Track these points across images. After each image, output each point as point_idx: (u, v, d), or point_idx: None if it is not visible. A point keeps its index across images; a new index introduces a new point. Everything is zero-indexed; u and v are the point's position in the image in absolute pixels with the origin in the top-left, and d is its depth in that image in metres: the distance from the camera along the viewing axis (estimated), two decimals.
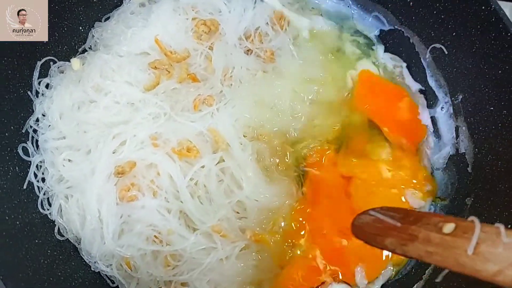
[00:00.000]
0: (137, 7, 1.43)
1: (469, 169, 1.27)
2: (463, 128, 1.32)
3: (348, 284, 1.20)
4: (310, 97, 1.34)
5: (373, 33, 1.51)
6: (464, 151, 1.30)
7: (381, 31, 1.51)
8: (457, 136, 1.33)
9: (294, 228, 1.23)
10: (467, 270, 0.62)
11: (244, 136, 1.24)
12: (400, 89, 1.44)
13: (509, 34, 1.14)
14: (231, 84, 1.27)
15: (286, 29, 1.41)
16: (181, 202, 1.12)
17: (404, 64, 1.46)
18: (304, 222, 1.23)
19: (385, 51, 1.50)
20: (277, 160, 1.26)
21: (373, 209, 0.84)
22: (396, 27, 1.48)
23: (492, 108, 1.22)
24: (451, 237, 0.66)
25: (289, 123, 1.29)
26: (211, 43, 1.31)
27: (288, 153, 1.27)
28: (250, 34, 1.35)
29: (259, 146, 1.24)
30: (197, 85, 1.27)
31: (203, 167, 1.15)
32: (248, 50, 1.34)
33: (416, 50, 1.44)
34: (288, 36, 1.40)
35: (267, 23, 1.38)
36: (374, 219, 0.81)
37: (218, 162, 1.18)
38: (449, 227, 0.67)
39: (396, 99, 1.42)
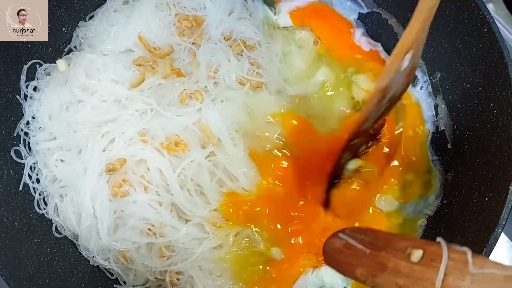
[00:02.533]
0: (120, 4, 1.44)
1: (449, 145, 1.32)
2: (442, 106, 1.36)
3: None
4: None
5: (352, 17, 1.54)
6: (443, 128, 1.34)
7: (360, 14, 1.53)
8: (437, 114, 1.37)
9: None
10: None
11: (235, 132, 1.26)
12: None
13: (481, 13, 1.17)
14: (216, 82, 1.29)
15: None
16: (172, 195, 1.15)
17: (380, 48, 1.49)
18: None
19: (365, 34, 1.53)
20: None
21: (343, 231, 0.83)
22: (374, 9, 1.51)
23: (468, 86, 1.26)
24: (419, 267, 0.64)
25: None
26: (195, 39, 1.33)
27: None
28: (232, 34, 1.37)
29: (251, 144, 1.27)
30: (182, 80, 1.29)
31: (192, 161, 1.18)
32: (238, 54, 1.36)
33: (395, 31, 1.47)
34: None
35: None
36: (345, 243, 0.80)
37: (209, 157, 1.21)
38: (417, 255, 0.65)
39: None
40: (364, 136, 1.20)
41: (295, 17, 1.50)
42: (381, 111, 1.09)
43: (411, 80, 1.07)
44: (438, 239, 0.64)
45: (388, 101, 1.05)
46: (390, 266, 0.68)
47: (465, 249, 0.61)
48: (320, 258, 1.24)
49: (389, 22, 1.47)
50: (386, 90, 0.99)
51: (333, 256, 0.82)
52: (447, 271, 0.60)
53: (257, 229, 1.21)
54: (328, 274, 1.23)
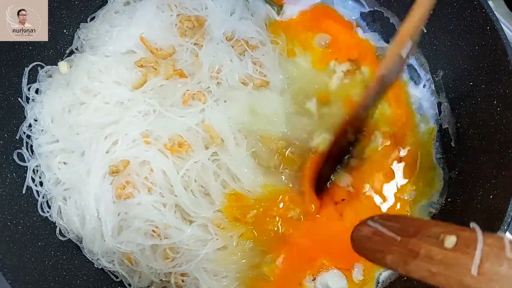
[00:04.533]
0: (121, 5, 1.44)
1: (452, 143, 1.32)
2: (445, 104, 1.36)
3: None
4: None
5: (354, 16, 1.53)
6: (447, 127, 1.34)
7: (362, 13, 1.53)
8: (440, 112, 1.37)
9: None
10: None
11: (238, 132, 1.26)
12: None
13: (483, 10, 1.17)
14: (219, 82, 1.29)
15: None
16: (176, 196, 1.15)
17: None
18: None
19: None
20: (275, 161, 1.28)
21: (372, 218, 0.81)
22: (375, 8, 1.50)
23: (471, 83, 1.26)
24: (453, 253, 0.63)
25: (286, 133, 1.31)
26: (196, 39, 1.33)
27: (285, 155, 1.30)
28: (234, 34, 1.37)
29: (255, 144, 1.27)
30: (184, 81, 1.29)
31: (196, 162, 1.17)
32: (240, 53, 1.35)
33: (396, 30, 1.46)
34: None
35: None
36: (373, 230, 0.78)
37: (212, 157, 1.21)
38: (451, 241, 0.64)
39: None
40: (353, 127, 1.18)
41: (299, 20, 1.50)
42: (377, 98, 1.11)
43: (404, 66, 1.12)
44: (472, 224, 0.63)
45: (384, 88, 1.08)
46: (422, 252, 0.67)
47: (501, 235, 0.60)
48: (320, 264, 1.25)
49: (390, 21, 1.47)
50: (386, 76, 1.03)
51: (362, 244, 0.80)
52: (483, 257, 0.59)
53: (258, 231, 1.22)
54: (332, 279, 1.23)
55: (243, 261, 1.18)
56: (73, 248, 1.23)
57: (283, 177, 1.28)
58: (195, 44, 1.33)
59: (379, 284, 1.26)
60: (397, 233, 0.73)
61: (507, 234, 1.13)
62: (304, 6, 1.52)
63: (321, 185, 1.26)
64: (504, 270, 0.57)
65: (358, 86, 1.40)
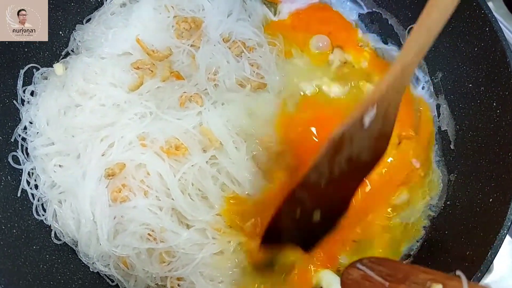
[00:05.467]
0: (117, 7, 1.43)
1: (451, 146, 1.31)
2: (444, 106, 1.35)
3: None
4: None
5: (352, 17, 1.52)
6: (446, 129, 1.33)
7: (360, 14, 1.52)
8: (439, 114, 1.36)
9: None
10: None
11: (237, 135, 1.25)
12: None
13: (482, 12, 1.17)
14: (216, 84, 1.28)
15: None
16: (172, 199, 1.14)
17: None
18: None
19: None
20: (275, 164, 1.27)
21: (361, 261, 0.82)
22: (374, 9, 1.50)
23: (470, 85, 1.25)
24: None
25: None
26: (193, 41, 1.32)
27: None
28: (231, 36, 1.36)
29: (255, 147, 1.25)
30: (181, 83, 1.27)
31: (193, 165, 1.16)
32: (237, 55, 1.34)
33: (395, 31, 1.46)
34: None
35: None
36: (362, 274, 0.79)
37: (210, 161, 1.20)
38: None
39: None
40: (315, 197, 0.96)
41: (296, 19, 1.49)
42: (337, 171, 0.89)
43: (384, 150, 0.91)
44: (458, 272, 0.64)
45: (348, 164, 0.88)
46: None
47: (486, 285, 0.61)
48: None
49: (389, 22, 1.46)
50: (341, 143, 0.85)
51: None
52: None
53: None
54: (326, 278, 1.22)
55: (240, 266, 1.17)
56: (68, 251, 1.21)
57: (284, 181, 1.26)
58: (192, 45, 1.31)
59: None
60: (385, 278, 0.74)
61: (507, 237, 1.12)
62: (301, 5, 1.51)
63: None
64: None
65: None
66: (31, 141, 1.24)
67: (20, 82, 1.26)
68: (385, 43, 1.48)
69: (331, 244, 1.21)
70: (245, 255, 1.18)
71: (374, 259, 0.82)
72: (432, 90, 1.39)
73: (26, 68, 1.27)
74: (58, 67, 1.32)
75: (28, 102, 1.27)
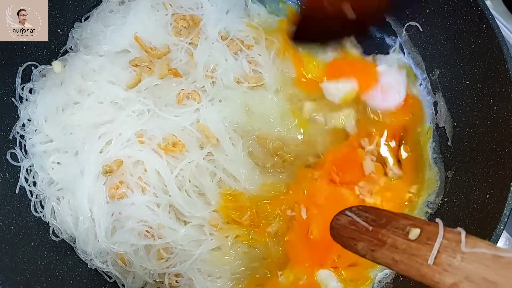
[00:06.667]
0: (116, 5, 1.43)
1: (449, 142, 1.31)
2: (442, 103, 1.35)
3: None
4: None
5: None
6: (443, 126, 1.34)
7: None
8: (436, 111, 1.36)
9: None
10: (427, 281, 0.64)
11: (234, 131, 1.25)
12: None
13: (479, 9, 1.17)
14: (214, 82, 1.29)
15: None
16: (170, 196, 1.14)
17: None
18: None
19: None
20: (272, 161, 1.27)
21: (350, 209, 0.87)
22: None
23: (467, 82, 1.25)
24: (415, 244, 0.69)
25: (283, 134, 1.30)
26: (191, 38, 1.32)
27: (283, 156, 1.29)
28: (229, 34, 1.36)
29: (251, 144, 1.26)
30: (179, 80, 1.28)
31: (190, 162, 1.17)
32: (235, 53, 1.34)
33: (393, 28, 1.46)
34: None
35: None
36: (350, 220, 0.84)
37: (207, 157, 1.20)
38: (415, 233, 0.70)
39: None
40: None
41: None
42: None
43: None
44: (437, 219, 0.68)
45: None
46: (388, 242, 0.73)
47: (459, 229, 0.65)
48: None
49: (387, 20, 1.46)
50: None
51: (338, 231, 0.86)
52: (440, 249, 0.65)
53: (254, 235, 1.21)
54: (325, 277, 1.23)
55: (238, 262, 1.17)
56: (66, 248, 1.22)
57: (280, 177, 1.27)
58: (190, 43, 1.32)
59: (375, 285, 1.25)
60: (369, 223, 0.80)
61: (504, 232, 1.12)
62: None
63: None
64: (456, 262, 0.62)
65: None
66: (29, 139, 1.24)
67: (18, 80, 1.26)
68: None
69: (327, 241, 1.22)
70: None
71: (362, 207, 0.86)
72: (430, 87, 1.39)
73: (24, 65, 1.27)
74: (56, 64, 1.32)
75: (26, 99, 1.27)
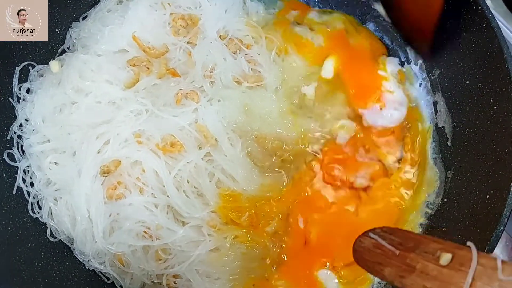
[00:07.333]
0: (114, 4, 1.42)
1: (448, 142, 1.30)
2: (441, 103, 1.35)
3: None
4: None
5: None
6: (443, 126, 1.33)
7: None
8: (436, 111, 1.36)
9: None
10: None
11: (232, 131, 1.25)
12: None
13: (479, 8, 1.16)
14: (213, 81, 1.28)
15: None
16: (168, 197, 1.14)
17: None
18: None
19: None
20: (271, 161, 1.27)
21: (373, 231, 0.83)
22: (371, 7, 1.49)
23: (467, 82, 1.24)
24: (448, 270, 0.65)
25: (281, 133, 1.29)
26: (190, 38, 1.32)
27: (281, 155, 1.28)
28: (228, 33, 1.36)
29: (250, 144, 1.25)
30: (177, 80, 1.27)
31: (188, 162, 1.16)
32: (234, 52, 1.34)
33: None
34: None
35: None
36: (374, 243, 0.80)
37: (206, 158, 1.19)
38: (446, 258, 0.66)
39: None
40: None
41: None
42: None
43: None
44: (469, 243, 0.64)
45: None
46: (418, 268, 0.69)
47: (495, 255, 0.61)
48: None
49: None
50: None
51: (362, 255, 0.82)
52: (475, 276, 0.60)
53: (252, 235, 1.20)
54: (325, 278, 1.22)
55: (236, 263, 1.16)
56: (64, 249, 1.21)
57: (279, 177, 1.27)
58: (188, 42, 1.32)
59: (375, 285, 1.25)
60: (396, 247, 0.75)
61: (504, 234, 1.12)
62: None
63: None
64: None
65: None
66: (27, 139, 1.24)
67: (15, 80, 1.26)
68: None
69: (327, 241, 1.22)
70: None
71: (386, 229, 0.82)
72: (429, 87, 1.38)
73: (22, 65, 1.27)
74: (54, 64, 1.31)
75: (23, 99, 1.27)
